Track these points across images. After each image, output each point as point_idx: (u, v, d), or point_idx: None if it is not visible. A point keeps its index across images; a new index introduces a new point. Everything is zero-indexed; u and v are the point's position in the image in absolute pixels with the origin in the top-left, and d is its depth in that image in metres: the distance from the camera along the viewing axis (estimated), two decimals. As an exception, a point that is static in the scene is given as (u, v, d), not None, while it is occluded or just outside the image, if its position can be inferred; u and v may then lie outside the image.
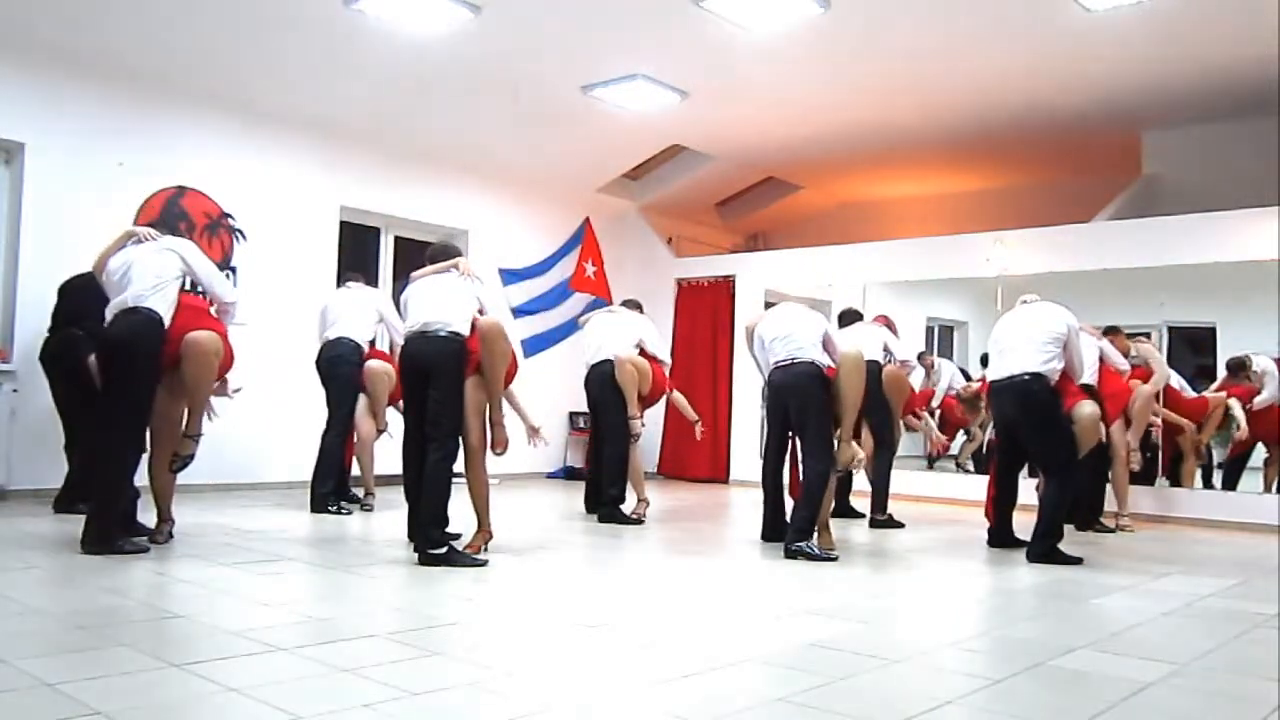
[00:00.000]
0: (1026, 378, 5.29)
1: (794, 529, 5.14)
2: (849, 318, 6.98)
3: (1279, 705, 2.70)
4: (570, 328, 9.43)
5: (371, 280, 6.82)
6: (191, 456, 4.75)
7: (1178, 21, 6.41)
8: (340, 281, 7.03)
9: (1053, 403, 5.37)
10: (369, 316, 6.44)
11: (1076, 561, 5.18)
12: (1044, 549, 5.21)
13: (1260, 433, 7.54)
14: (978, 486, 7.34)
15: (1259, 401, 7.48)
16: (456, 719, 2.42)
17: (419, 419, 4.66)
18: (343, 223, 8.25)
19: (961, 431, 9.46)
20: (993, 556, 5.45)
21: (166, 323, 4.52)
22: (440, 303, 4.68)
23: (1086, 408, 5.70)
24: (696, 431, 7.18)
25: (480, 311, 4.79)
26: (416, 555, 4.53)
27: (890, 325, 6.97)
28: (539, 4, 6.40)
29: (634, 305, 7.05)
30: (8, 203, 6.54)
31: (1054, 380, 5.34)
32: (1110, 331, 6.91)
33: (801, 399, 5.29)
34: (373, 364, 6.34)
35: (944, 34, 6.72)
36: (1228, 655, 3.32)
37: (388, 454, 6.42)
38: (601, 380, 6.51)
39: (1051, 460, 5.43)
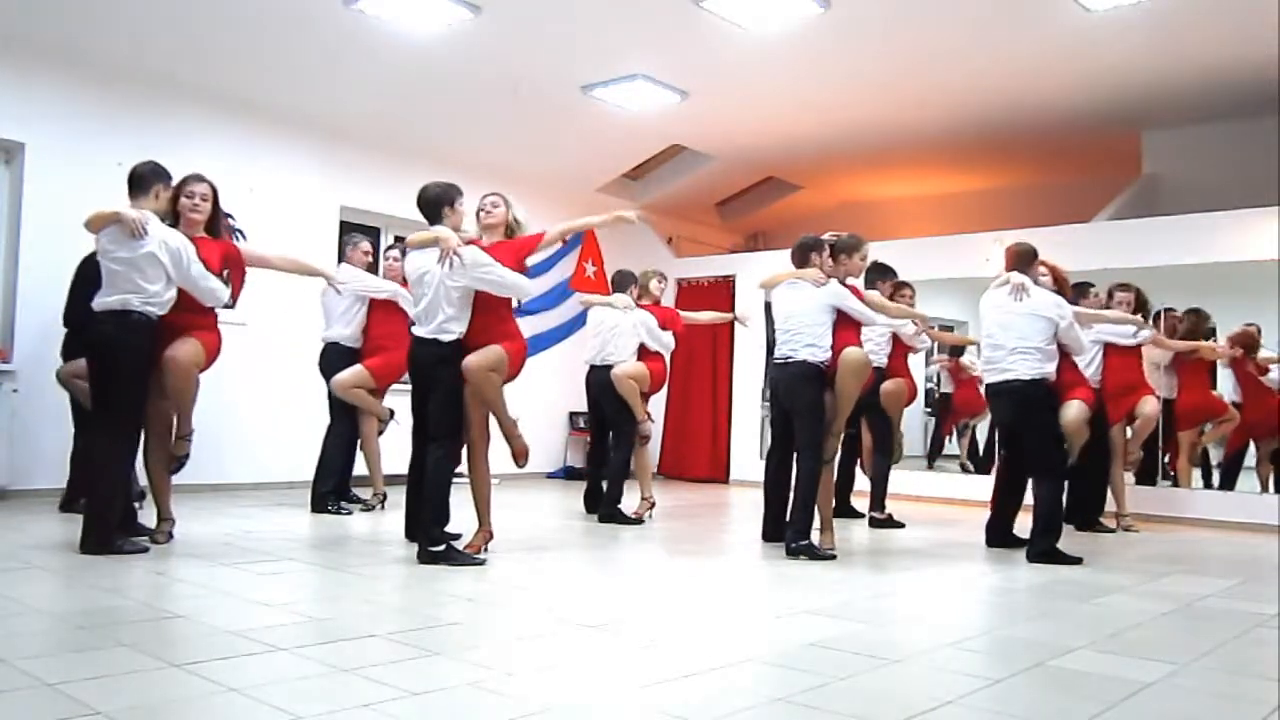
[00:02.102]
0: (1021, 384, 5.32)
1: (793, 529, 5.15)
2: (876, 272, 6.73)
3: (1279, 705, 2.70)
4: (571, 327, 9.42)
5: (373, 267, 6.75)
6: (187, 456, 4.76)
7: (1178, 21, 6.41)
8: (342, 244, 6.89)
9: (1048, 404, 5.43)
10: (358, 309, 6.36)
11: (1076, 561, 5.18)
12: (1043, 548, 5.22)
13: (1255, 424, 7.54)
14: (977, 486, 7.34)
15: (1269, 379, 7.52)
16: (456, 719, 2.43)
17: (423, 419, 4.70)
18: (343, 222, 8.25)
19: (955, 429, 9.48)
20: (993, 556, 5.45)
21: (158, 318, 4.51)
22: (430, 304, 4.67)
23: (1073, 409, 5.72)
24: (745, 321, 7.73)
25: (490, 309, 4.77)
26: (417, 555, 4.54)
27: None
28: (539, 4, 6.40)
29: (628, 278, 6.94)
30: (8, 203, 6.54)
31: (1051, 379, 5.38)
32: (1164, 314, 7.37)
33: (794, 399, 5.34)
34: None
35: (943, 34, 6.72)
36: (1228, 655, 3.32)
37: (391, 454, 6.43)
38: (601, 385, 6.57)
39: (1042, 461, 5.44)
